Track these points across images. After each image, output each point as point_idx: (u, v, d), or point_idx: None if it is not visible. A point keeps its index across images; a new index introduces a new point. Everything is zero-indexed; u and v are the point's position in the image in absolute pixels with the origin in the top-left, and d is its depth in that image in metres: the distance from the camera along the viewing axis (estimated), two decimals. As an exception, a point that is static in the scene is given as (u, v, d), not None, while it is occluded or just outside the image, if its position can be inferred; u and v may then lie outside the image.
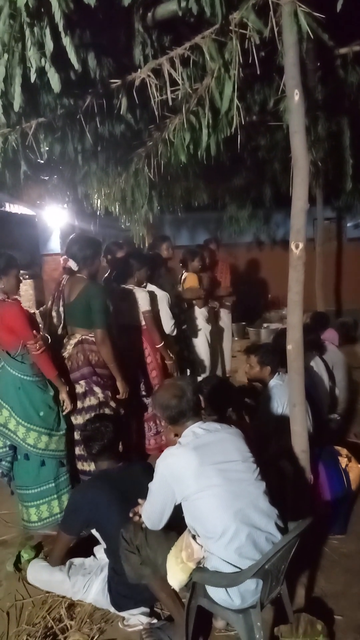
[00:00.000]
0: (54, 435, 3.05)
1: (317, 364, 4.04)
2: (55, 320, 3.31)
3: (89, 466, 3.20)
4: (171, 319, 4.15)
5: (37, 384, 3.00)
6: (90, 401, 3.25)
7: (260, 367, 3.36)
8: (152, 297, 4.01)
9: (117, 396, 3.33)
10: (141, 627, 2.34)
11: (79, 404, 3.26)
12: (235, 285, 6.02)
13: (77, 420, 3.24)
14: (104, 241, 4.60)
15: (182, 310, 4.65)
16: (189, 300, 4.90)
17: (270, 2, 2.26)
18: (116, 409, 3.34)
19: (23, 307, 2.99)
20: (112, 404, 3.30)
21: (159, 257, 4.48)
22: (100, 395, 3.25)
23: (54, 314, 3.32)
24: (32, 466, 3.04)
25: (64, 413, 3.10)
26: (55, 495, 3.09)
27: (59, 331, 3.31)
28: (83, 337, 3.24)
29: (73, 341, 3.25)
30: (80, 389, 3.25)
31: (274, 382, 3.31)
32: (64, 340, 3.30)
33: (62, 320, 3.30)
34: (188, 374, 4.58)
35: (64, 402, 3.09)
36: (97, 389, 3.24)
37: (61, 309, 3.29)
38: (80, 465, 3.31)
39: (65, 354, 3.25)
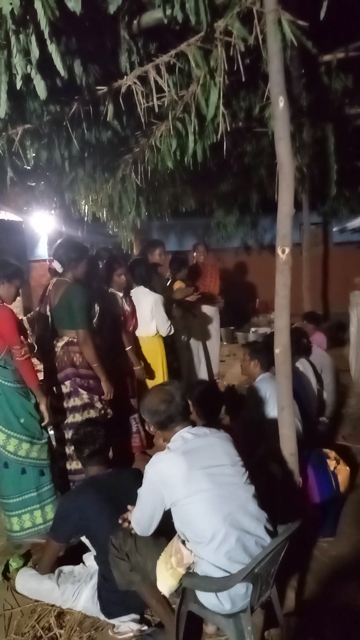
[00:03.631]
0: (36, 443, 3.02)
1: (305, 367, 4.07)
2: (42, 324, 3.34)
3: (78, 465, 3.20)
4: (167, 320, 4.17)
5: (19, 391, 2.98)
6: (75, 402, 3.30)
7: (250, 359, 3.47)
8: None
9: (102, 397, 3.35)
10: (131, 634, 2.32)
11: (64, 404, 3.29)
12: (224, 290, 6.05)
13: (62, 419, 3.30)
14: (92, 247, 4.60)
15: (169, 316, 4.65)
16: (179, 301, 4.92)
17: (254, 11, 2.29)
18: (103, 410, 3.36)
19: (14, 313, 2.99)
20: (98, 405, 3.33)
21: (146, 261, 4.48)
22: (85, 396, 3.30)
23: (41, 317, 3.35)
24: (12, 474, 3.00)
25: (42, 424, 3.07)
26: (38, 505, 3.06)
27: (46, 335, 3.33)
28: (69, 339, 3.29)
29: (60, 343, 3.30)
30: (65, 389, 3.31)
31: (261, 376, 3.38)
32: (53, 343, 3.33)
33: (48, 324, 3.34)
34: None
35: (43, 413, 3.06)
36: (81, 391, 3.29)
37: (47, 313, 3.33)
38: (68, 465, 3.31)
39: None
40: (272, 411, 3.16)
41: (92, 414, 3.30)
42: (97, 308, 3.43)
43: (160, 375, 4.20)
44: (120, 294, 3.95)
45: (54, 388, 3.34)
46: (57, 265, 3.32)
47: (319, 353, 4.49)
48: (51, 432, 3.51)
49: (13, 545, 3.08)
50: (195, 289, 5.16)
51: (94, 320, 3.51)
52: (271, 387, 3.22)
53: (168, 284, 5.04)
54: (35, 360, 3.21)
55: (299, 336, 4.16)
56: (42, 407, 3.05)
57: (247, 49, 2.42)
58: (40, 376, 3.29)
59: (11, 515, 3.04)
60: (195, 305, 5.24)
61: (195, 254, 5.96)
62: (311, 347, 4.39)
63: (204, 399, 3.07)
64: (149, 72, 2.68)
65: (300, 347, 4.13)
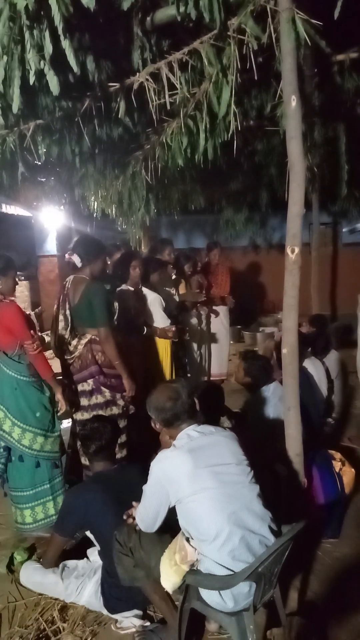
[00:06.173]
0: (49, 436, 3.06)
1: (316, 367, 4.06)
2: (62, 323, 3.30)
3: None
4: (166, 318, 4.16)
5: (33, 385, 3.00)
6: (97, 399, 3.29)
7: (244, 375, 3.41)
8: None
9: (124, 394, 3.35)
10: (134, 630, 2.33)
11: (86, 402, 3.29)
12: (232, 288, 6.05)
13: (84, 416, 3.29)
14: (120, 246, 4.61)
15: (179, 313, 4.66)
16: (188, 303, 4.92)
17: (268, 9, 2.28)
18: (125, 407, 3.37)
19: (20, 307, 3.00)
20: (120, 402, 3.33)
21: (156, 260, 4.49)
22: (108, 394, 3.29)
23: (60, 317, 3.32)
24: (27, 468, 3.04)
25: (59, 414, 3.10)
26: (50, 497, 3.09)
27: (66, 334, 3.30)
28: (92, 337, 3.28)
29: (84, 341, 3.28)
30: (87, 387, 3.30)
31: (265, 389, 3.36)
32: (74, 342, 3.30)
33: (69, 323, 3.30)
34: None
35: (59, 402, 3.09)
36: (104, 389, 3.29)
37: (67, 312, 3.30)
38: (83, 460, 3.32)
39: (76, 354, 3.29)
40: (277, 414, 3.15)
41: (115, 410, 3.30)
42: (116, 305, 3.43)
43: (167, 371, 4.20)
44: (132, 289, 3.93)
45: (72, 385, 3.33)
46: (76, 259, 3.31)
47: (331, 355, 4.46)
48: (68, 425, 3.52)
49: (18, 538, 3.10)
50: (200, 290, 5.17)
51: (114, 318, 3.49)
52: (278, 390, 3.21)
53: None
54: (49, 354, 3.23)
55: (326, 342, 4.18)
56: (59, 396, 3.06)
57: (260, 47, 2.42)
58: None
59: (24, 508, 3.07)
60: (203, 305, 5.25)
61: (210, 255, 5.97)
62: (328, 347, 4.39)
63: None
64: (161, 69, 2.68)
65: (326, 351, 4.17)
